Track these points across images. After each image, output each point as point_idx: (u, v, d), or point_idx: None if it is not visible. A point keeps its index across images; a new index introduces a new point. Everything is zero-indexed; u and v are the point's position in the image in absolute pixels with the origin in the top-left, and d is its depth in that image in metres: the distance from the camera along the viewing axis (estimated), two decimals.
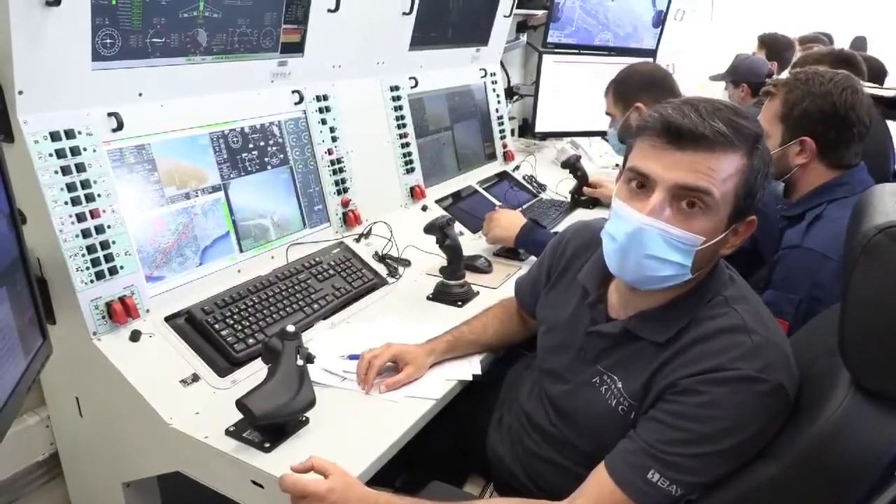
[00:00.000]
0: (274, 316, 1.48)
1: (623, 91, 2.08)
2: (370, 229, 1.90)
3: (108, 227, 1.30)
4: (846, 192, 1.50)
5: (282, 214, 1.72)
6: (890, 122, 2.21)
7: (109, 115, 1.34)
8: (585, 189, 2.57)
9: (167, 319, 1.37)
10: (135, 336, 1.30)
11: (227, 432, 1.17)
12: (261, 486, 1.10)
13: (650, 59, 3.23)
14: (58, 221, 1.23)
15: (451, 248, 1.72)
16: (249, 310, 1.46)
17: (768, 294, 1.46)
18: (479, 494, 1.40)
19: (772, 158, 1.04)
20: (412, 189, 2.19)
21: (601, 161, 3.24)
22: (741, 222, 1.03)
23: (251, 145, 1.66)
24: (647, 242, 1.00)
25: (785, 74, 1.81)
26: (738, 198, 0.99)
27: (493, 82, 2.74)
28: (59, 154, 1.24)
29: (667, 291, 1.07)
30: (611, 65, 3.11)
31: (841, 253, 1.07)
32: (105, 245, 1.29)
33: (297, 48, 1.74)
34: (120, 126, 1.35)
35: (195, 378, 1.30)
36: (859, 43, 5.37)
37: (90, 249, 1.27)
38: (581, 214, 2.47)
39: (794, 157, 1.56)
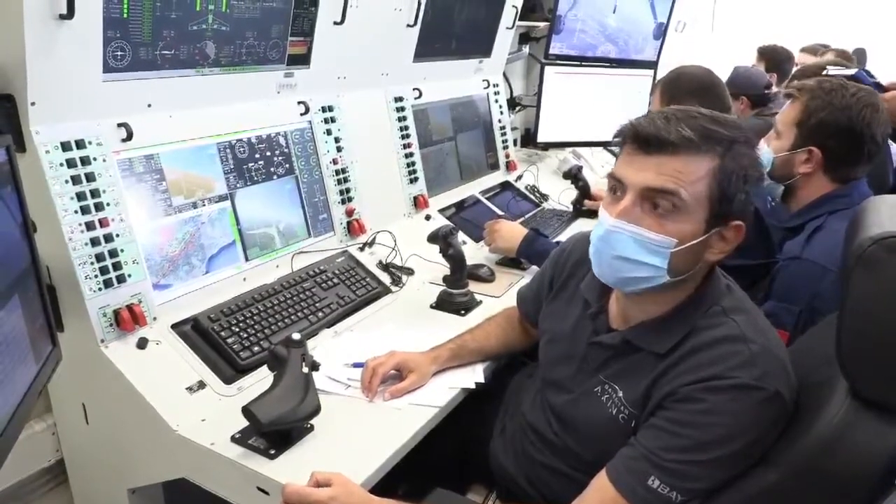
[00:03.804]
0: (279, 324, 1.50)
1: (670, 92, 2.03)
2: (374, 238, 1.92)
3: (117, 235, 1.32)
4: (846, 203, 1.51)
5: (287, 223, 1.74)
6: None
7: (119, 125, 1.36)
8: (587, 202, 2.58)
9: (174, 327, 1.39)
10: (142, 343, 1.32)
11: (233, 439, 1.18)
12: (266, 492, 1.11)
13: (651, 71, 3.25)
14: (68, 230, 1.24)
15: (454, 257, 1.73)
16: (255, 318, 1.48)
17: (769, 305, 1.46)
18: (482, 502, 1.40)
19: (753, 161, 1.03)
20: (416, 198, 2.21)
21: (603, 171, 3.26)
22: (725, 227, 1.03)
23: (257, 155, 1.68)
24: (615, 244, 1.03)
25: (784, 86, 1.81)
26: (713, 200, 1.00)
27: (495, 93, 2.77)
28: (70, 164, 1.26)
29: (662, 302, 1.08)
30: (612, 76, 3.16)
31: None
32: (113, 253, 1.31)
33: (303, 60, 1.76)
34: (129, 136, 1.37)
35: (201, 385, 1.31)
36: (859, 55, 5.39)
37: (99, 258, 1.29)
38: (583, 224, 2.48)
39: (800, 164, 1.57)
